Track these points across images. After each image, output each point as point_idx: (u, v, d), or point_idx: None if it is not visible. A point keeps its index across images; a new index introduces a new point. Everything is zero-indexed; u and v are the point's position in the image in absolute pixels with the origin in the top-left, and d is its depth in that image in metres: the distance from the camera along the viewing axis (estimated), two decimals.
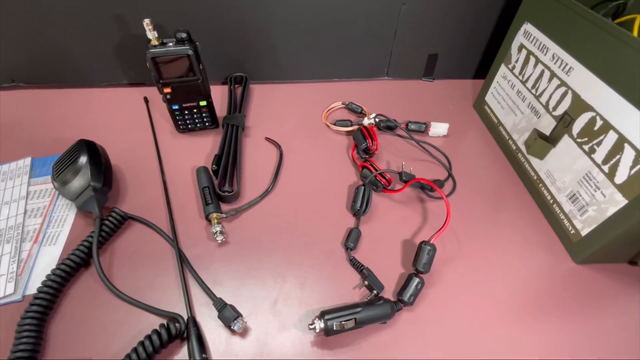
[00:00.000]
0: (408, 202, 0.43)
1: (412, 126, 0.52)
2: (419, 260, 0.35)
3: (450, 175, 0.46)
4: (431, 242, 0.35)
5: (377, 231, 0.40)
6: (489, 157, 0.50)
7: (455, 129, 0.54)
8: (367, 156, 0.47)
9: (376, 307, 0.31)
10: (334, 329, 0.30)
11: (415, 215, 0.42)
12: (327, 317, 0.30)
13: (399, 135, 0.52)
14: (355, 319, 0.30)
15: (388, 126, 0.52)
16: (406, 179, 0.43)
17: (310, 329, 0.30)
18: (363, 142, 0.46)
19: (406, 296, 0.33)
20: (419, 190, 0.44)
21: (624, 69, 0.31)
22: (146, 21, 0.39)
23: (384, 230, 0.40)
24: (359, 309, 0.31)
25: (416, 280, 0.33)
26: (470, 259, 0.38)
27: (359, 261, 0.36)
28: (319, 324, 0.30)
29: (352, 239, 0.37)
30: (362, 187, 0.41)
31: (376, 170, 0.43)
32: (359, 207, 0.40)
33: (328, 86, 0.62)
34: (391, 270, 0.36)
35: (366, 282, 0.34)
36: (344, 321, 0.30)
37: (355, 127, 0.52)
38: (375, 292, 0.34)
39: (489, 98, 0.54)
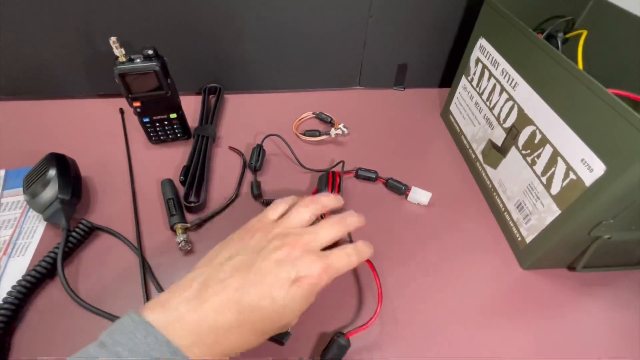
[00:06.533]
0: None
1: (392, 183, 0.47)
2: (329, 353, 0.31)
3: None
4: (347, 336, 0.31)
5: None
6: (453, 164, 0.52)
7: (423, 137, 0.56)
8: None
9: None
10: None
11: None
12: None
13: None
14: None
15: (367, 177, 0.48)
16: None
17: None
18: (323, 189, 0.43)
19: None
20: None
21: (556, 86, 0.33)
22: (112, 39, 0.41)
23: None
24: None
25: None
26: (429, 265, 0.40)
27: None
28: None
29: None
30: None
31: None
32: None
33: (301, 96, 0.63)
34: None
35: None
36: None
37: (324, 136, 0.54)
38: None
39: (452, 108, 0.56)
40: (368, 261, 0.35)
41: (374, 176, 0.47)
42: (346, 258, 0.28)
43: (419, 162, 0.51)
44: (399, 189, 0.46)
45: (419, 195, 0.45)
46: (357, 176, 0.48)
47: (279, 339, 0.30)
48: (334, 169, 0.46)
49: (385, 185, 0.47)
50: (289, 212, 0.30)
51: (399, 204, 0.46)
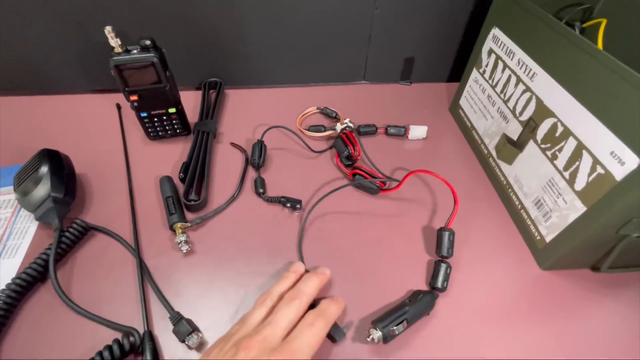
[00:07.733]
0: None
1: (392, 130, 0.52)
2: (442, 246, 0.36)
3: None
4: (448, 227, 0.37)
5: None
6: (463, 161, 0.50)
7: (431, 132, 0.54)
8: (350, 162, 0.47)
9: (420, 302, 0.32)
10: (396, 333, 0.30)
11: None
12: (381, 325, 0.30)
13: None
14: (406, 319, 0.31)
15: (368, 131, 0.52)
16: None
17: (368, 340, 0.30)
18: (345, 150, 0.46)
19: (439, 283, 0.34)
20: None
21: (581, 75, 0.31)
22: (108, 29, 0.39)
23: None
24: (406, 309, 0.31)
25: (444, 266, 0.35)
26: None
27: None
28: (376, 334, 0.30)
29: None
30: None
31: (372, 176, 0.43)
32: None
33: (305, 91, 0.61)
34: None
35: None
36: (396, 325, 0.30)
37: (329, 132, 0.52)
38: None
39: (462, 102, 0.53)
40: (431, 172, 0.40)
41: (374, 129, 0.53)
42: (310, 332, 0.26)
43: (430, 159, 0.49)
44: (399, 130, 0.52)
45: (417, 132, 0.52)
46: (360, 133, 0.52)
47: (333, 336, 0.30)
48: (343, 130, 0.50)
49: (386, 133, 0.53)
50: (272, 313, 0.28)
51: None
